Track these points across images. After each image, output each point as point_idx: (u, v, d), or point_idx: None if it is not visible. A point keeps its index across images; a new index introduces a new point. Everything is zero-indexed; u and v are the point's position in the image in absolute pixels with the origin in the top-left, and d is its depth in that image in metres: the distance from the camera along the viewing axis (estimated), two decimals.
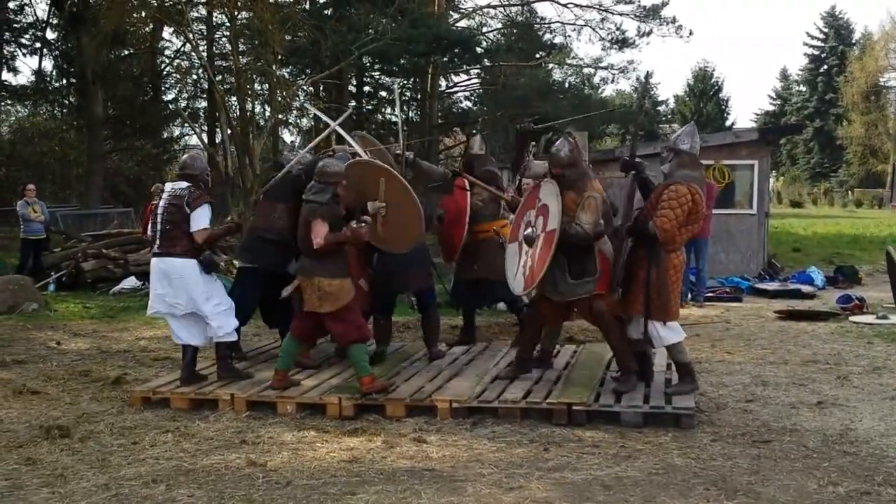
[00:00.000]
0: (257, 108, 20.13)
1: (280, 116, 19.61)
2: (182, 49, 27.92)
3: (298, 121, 29.18)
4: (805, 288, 12.52)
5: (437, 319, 7.62)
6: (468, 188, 7.94)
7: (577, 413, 5.73)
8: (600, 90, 41.43)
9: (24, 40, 27.85)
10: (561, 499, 4.42)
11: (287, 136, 30.28)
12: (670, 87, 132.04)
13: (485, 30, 31.56)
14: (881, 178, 52.84)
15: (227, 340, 6.67)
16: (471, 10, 32.12)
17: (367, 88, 30.05)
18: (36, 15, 28.56)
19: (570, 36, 35.72)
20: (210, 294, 6.49)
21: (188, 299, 6.40)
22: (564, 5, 30.06)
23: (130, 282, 12.94)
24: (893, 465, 4.92)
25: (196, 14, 23.44)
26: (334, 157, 7.20)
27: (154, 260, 6.52)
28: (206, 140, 25.77)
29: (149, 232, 6.85)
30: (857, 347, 8.42)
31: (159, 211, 6.50)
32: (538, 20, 33.64)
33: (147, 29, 24.89)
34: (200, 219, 6.41)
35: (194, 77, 27.46)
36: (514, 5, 32.64)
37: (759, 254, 14.50)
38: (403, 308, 9.43)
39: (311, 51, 21.15)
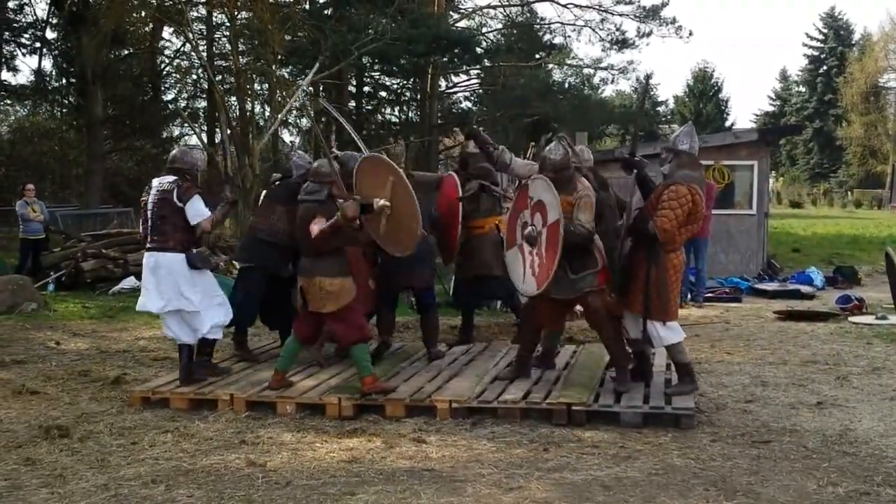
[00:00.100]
0: (257, 108, 20.12)
1: (280, 116, 19.58)
2: (182, 49, 27.93)
3: (298, 121, 29.17)
4: (804, 288, 12.53)
5: (436, 320, 7.63)
6: (459, 186, 7.93)
7: (576, 413, 5.73)
8: (600, 91, 41.42)
9: (23, 40, 27.82)
10: (560, 499, 4.42)
11: (287, 136, 30.27)
12: (670, 88, 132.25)
13: (485, 30, 31.59)
14: (881, 179, 52.84)
15: (211, 338, 6.62)
16: (471, 10, 32.15)
17: (366, 89, 30.05)
18: (36, 14, 28.56)
19: (569, 36, 35.72)
20: (198, 288, 6.42)
21: (176, 294, 6.35)
22: (564, 6, 30.07)
23: (130, 282, 12.93)
24: (893, 465, 4.92)
25: (196, 14, 23.45)
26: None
27: (146, 255, 6.50)
28: (205, 140, 25.76)
29: (140, 228, 6.80)
30: (857, 348, 8.42)
31: (149, 207, 6.46)
32: (538, 20, 33.66)
33: (147, 29, 24.88)
34: (198, 208, 6.38)
35: (194, 77, 27.48)
36: (514, 6, 32.65)
37: (758, 254, 14.51)
38: (403, 308, 9.42)
39: (311, 51, 21.13)
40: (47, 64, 28.82)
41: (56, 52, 28.32)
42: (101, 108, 24.00)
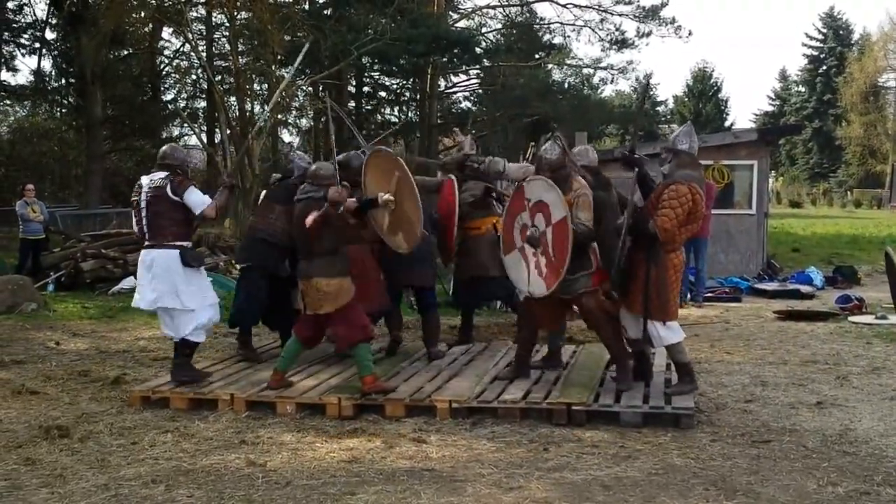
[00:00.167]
0: (256, 108, 20.13)
1: (279, 116, 19.60)
2: (181, 49, 27.95)
3: (298, 121, 29.19)
4: (804, 288, 12.53)
5: (436, 320, 7.63)
6: (456, 188, 7.97)
7: (576, 413, 5.73)
8: (600, 91, 41.47)
9: (23, 40, 27.84)
10: (560, 499, 4.42)
11: (286, 136, 30.28)
12: (669, 88, 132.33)
13: (484, 30, 31.61)
14: (880, 179, 52.87)
15: (193, 340, 6.54)
16: (470, 10, 32.16)
17: (366, 89, 30.06)
18: (35, 15, 28.55)
19: (569, 36, 35.64)
20: (193, 288, 6.39)
21: (169, 291, 6.32)
22: (564, 6, 30.09)
23: (130, 282, 12.91)
24: (893, 465, 4.92)
25: (195, 14, 23.46)
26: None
27: (143, 252, 6.46)
28: (205, 140, 25.76)
29: (135, 228, 6.71)
30: (857, 348, 8.42)
31: (143, 205, 6.40)
32: (537, 20, 33.67)
33: (146, 29, 24.88)
34: (197, 198, 6.37)
35: (194, 77, 27.50)
36: (513, 6, 32.67)
37: (758, 254, 14.51)
38: (403, 308, 9.40)
39: (311, 51, 21.13)
40: (47, 64, 28.87)
41: (56, 52, 28.33)
42: (101, 108, 24.00)
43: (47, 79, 29.03)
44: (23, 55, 28.20)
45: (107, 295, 12.59)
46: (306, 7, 24.04)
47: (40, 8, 37.00)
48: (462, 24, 30.84)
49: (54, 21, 27.21)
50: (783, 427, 5.66)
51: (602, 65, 33.17)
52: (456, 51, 24.45)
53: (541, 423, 5.73)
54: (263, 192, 8.00)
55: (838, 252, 18.96)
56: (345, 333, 6.12)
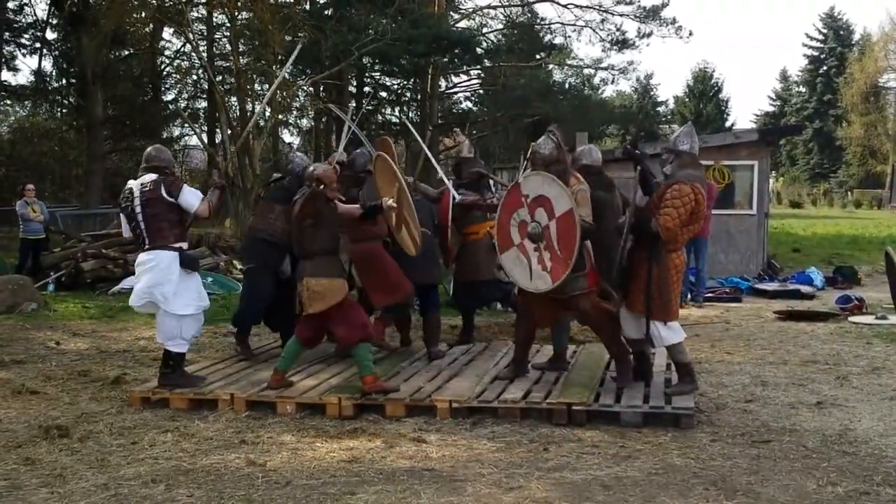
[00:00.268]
0: (257, 108, 20.13)
1: (280, 116, 19.60)
2: (182, 49, 27.97)
3: (298, 121, 29.20)
4: (804, 288, 12.53)
5: (437, 320, 7.65)
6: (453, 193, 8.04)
7: (576, 413, 5.73)
8: (600, 91, 41.48)
9: (23, 40, 27.87)
10: (561, 499, 4.42)
11: (287, 137, 30.29)
12: (670, 88, 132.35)
13: (485, 30, 31.62)
14: (880, 179, 52.87)
15: (175, 350, 6.46)
16: (471, 10, 32.17)
17: (367, 89, 30.06)
18: (36, 15, 28.61)
19: (570, 37, 35.76)
20: (183, 291, 6.35)
21: (160, 291, 6.28)
22: (565, 6, 30.10)
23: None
24: (892, 465, 4.92)
25: (196, 14, 23.46)
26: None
27: (142, 255, 6.39)
28: (206, 140, 25.77)
29: (125, 233, 6.63)
30: (857, 348, 8.42)
31: (137, 210, 6.31)
32: (538, 21, 33.70)
33: (147, 29, 24.90)
34: (191, 197, 6.34)
35: (194, 77, 27.52)
36: (514, 6, 32.68)
37: (758, 254, 14.51)
38: None
39: (312, 51, 21.14)
40: (47, 64, 28.90)
41: (56, 52, 28.35)
42: (101, 108, 24.01)
43: (48, 79, 29.06)
44: (23, 55, 28.28)
45: (107, 295, 12.59)
46: (307, 7, 24.05)
47: (41, 8, 37.15)
48: (463, 24, 30.86)
49: (55, 21, 27.24)
50: (783, 427, 5.66)
51: (603, 65, 33.26)
52: (457, 51, 24.46)
53: (541, 423, 5.73)
54: (262, 192, 8.04)
55: (838, 252, 18.96)
56: (344, 333, 6.13)
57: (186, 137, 32.77)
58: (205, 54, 22.69)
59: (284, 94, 19.28)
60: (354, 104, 26.54)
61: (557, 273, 5.97)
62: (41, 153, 27.71)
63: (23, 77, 40.18)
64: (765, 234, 14.76)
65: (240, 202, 17.99)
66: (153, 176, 6.36)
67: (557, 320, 6.73)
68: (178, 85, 29.36)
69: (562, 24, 31.92)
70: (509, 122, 29.44)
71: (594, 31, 30.67)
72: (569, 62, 35.86)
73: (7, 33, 26.94)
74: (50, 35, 28.09)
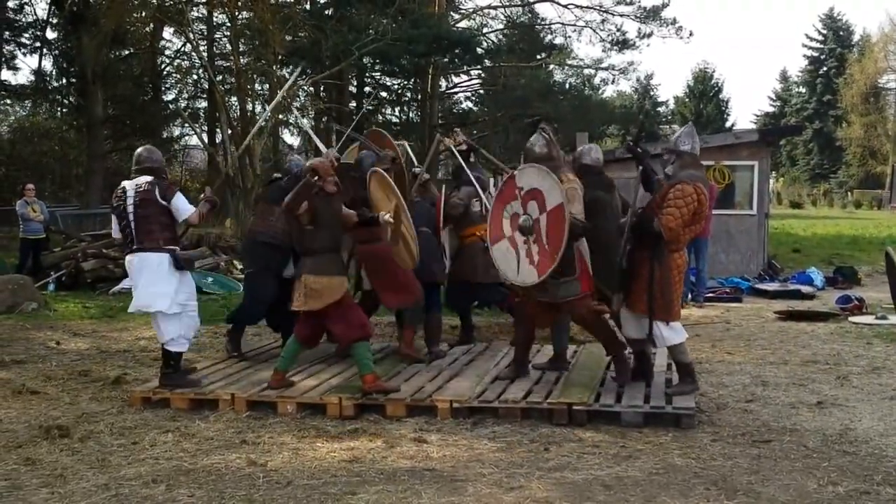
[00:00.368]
0: (257, 108, 20.14)
1: (280, 117, 19.60)
2: (182, 49, 27.98)
3: (298, 121, 29.18)
4: (805, 288, 12.53)
5: (438, 320, 7.66)
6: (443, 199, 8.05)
7: (577, 413, 5.73)
8: (601, 91, 41.50)
9: (23, 39, 27.88)
10: (561, 498, 4.42)
11: (287, 137, 30.28)
12: (670, 88, 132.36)
13: (485, 30, 31.64)
14: (880, 180, 52.88)
15: (175, 350, 6.48)
16: (471, 10, 32.18)
17: (367, 89, 30.08)
18: (36, 14, 28.64)
19: (570, 37, 35.79)
20: (176, 293, 6.36)
21: (159, 293, 6.29)
22: (565, 6, 30.14)
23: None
24: (892, 464, 4.92)
25: (196, 14, 23.47)
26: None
27: (130, 257, 6.39)
28: (206, 140, 25.77)
29: (115, 233, 6.63)
30: (857, 348, 8.42)
31: (129, 210, 6.31)
32: (539, 21, 33.71)
33: (147, 29, 24.92)
34: (184, 204, 6.39)
35: (194, 77, 27.52)
36: (514, 6, 32.70)
37: (758, 254, 14.51)
38: None
39: (312, 51, 21.15)
40: (47, 64, 28.91)
41: (56, 51, 28.36)
42: (102, 108, 24.02)
43: (48, 78, 29.07)
44: (23, 54, 28.30)
45: (107, 294, 12.60)
46: (307, 7, 24.06)
47: (41, 7, 37.14)
48: (463, 24, 30.88)
49: (55, 20, 27.25)
50: (784, 427, 5.66)
51: (603, 65, 33.32)
52: (457, 51, 24.47)
53: (542, 423, 5.73)
54: (262, 190, 8.04)
55: (839, 252, 18.97)
56: (342, 332, 6.13)
57: (186, 137, 32.82)
58: (205, 54, 22.71)
59: (285, 94, 19.27)
60: (355, 104, 26.62)
61: (544, 267, 5.94)
62: (41, 153, 27.70)
63: (23, 76, 40.22)
64: (765, 235, 14.77)
65: (240, 202, 17.99)
66: (148, 178, 6.38)
67: (557, 321, 6.72)
68: (179, 85, 29.37)
69: (562, 24, 32.01)
70: (509, 122, 29.44)
71: (594, 31, 30.73)
72: (569, 62, 35.90)
73: (7, 32, 26.95)
74: (50, 34, 28.15)
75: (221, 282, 13.04)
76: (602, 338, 6.30)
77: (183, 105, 29.67)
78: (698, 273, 11.64)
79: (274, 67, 19.73)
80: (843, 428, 5.64)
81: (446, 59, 25.41)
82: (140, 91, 29.00)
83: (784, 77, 66.73)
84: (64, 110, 30.16)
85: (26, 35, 27.82)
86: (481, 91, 32.51)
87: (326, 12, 23.38)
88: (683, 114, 57.36)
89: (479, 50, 26.40)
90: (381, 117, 30.84)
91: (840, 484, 4.58)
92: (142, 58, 28.56)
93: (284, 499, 4.46)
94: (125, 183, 6.52)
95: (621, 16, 29.97)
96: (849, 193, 52.10)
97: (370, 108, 29.42)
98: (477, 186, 7.95)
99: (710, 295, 11.92)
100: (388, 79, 29.86)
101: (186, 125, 29.52)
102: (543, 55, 34.01)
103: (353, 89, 28.47)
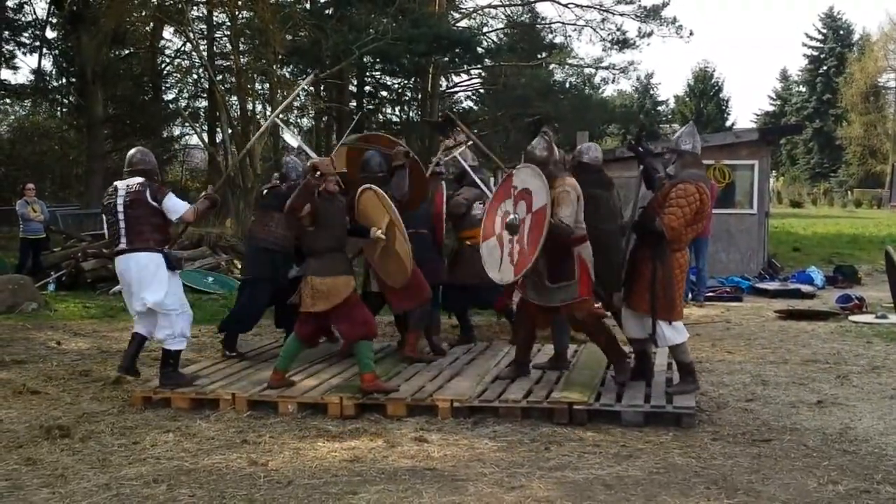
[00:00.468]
0: (258, 108, 20.13)
1: (280, 116, 19.60)
2: (182, 48, 27.96)
3: (299, 120, 29.19)
4: (805, 288, 12.54)
5: (437, 318, 7.67)
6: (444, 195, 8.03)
7: (578, 412, 5.73)
8: (601, 90, 41.50)
9: (23, 39, 27.85)
10: (562, 498, 4.42)
11: (287, 136, 30.28)
12: (671, 88, 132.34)
13: (486, 30, 31.64)
14: (880, 179, 52.83)
15: (174, 348, 6.49)
16: (472, 10, 32.18)
17: (367, 88, 30.06)
18: (35, 13, 28.60)
19: (570, 36, 35.81)
20: (171, 292, 6.39)
21: (151, 293, 6.30)
22: (565, 5, 30.13)
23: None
24: (892, 463, 4.92)
25: (196, 13, 23.45)
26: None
27: (120, 258, 6.38)
28: (206, 140, 25.76)
29: (106, 233, 6.64)
30: (857, 347, 8.43)
31: (119, 209, 6.33)
32: (539, 20, 33.71)
33: (147, 28, 24.87)
34: (176, 203, 6.39)
35: (195, 77, 27.51)
36: (515, 5, 32.70)
37: (759, 253, 14.51)
38: None
39: (312, 50, 21.14)
40: (47, 63, 28.88)
41: (56, 51, 28.34)
42: (102, 107, 24.00)
43: (48, 78, 29.05)
44: (23, 54, 28.26)
45: (108, 294, 12.59)
46: (308, 6, 24.05)
47: (41, 6, 37.04)
48: (463, 23, 30.87)
49: (55, 20, 27.23)
50: (784, 426, 5.67)
51: (603, 64, 33.26)
52: (457, 50, 24.47)
53: (542, 423, 5.73)
54: (263, 192, 8.01)
55: (839, 251, 18.97)
56: (347, 331, 6.14)
57: (187, 137, 32.79)
58: (205, 53, 22.69)
59: (285, 93, 19.27)
60: (355, 103, 26.62)
61: (520, 267, 5.98)
62: (41, 153, 27.68)
63: (22, 76, 40.19)
64: (765, 234, 14.78)
65: (240, 202, 17.99)
66: (140, 179, 6.40)
67: (557, 321, 6.73)
68: (179, 84, 29.37)
69: (562, 23, 32.00)
70: (510, 121, 29.44)
71: (595, 30, 30.73)
72: (569, 61, 35.88)
73: (7, 32, 26.92)
74: (50, 34, 28.12)
75: (222, 281, 13.05)
76: (602, 342, 6.27)
77: (183, 105, 29.68)
78: (698, 272, 11.64)
79: (274, 67, 19.72)
80: (843, 427, 5.64)
81: (446, 59, 25.40)
82: (140, 91, 28.99)
83: (784, 76, 66.73)
84: (64, 110, 30.14)
85: (26, 34, 27.80)
86: (482, 90, 32.50)
87: (327, 12, 23.37)
88: (684, 113, 57.34)
89: (479, 49, 26.39)
90: (381, 117, 30.82)
91: (840, 483, 4.59)
92: (142, 57, 28.54)
93: (285, 498, 4.46)
94: (118, 182, 6.55)
95: (621, 15, 30.00)
96: (849, 192, 52.08)
97: (371, 107, 29.44)
98: (484, 189, 7.94)
99: (711, 294, 11.93)
100: (388, 78, 29.84)
101: (187, 125, 29.51)
102: (544, 54, 33.98)
103: (353, 88, 28.45)
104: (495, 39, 31.88)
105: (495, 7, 32.24)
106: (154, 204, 6.32)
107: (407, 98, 31.10)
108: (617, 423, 5.70)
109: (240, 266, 13.36)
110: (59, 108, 30.27)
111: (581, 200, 6.06)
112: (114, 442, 5.46)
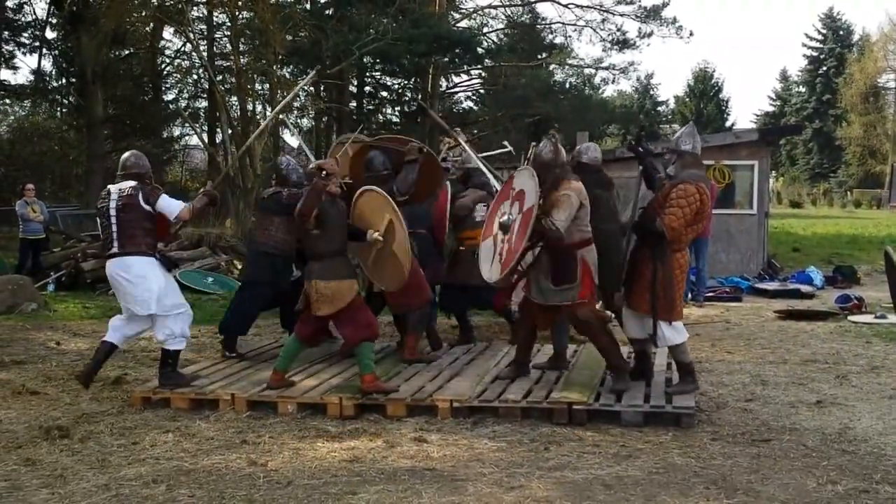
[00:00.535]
0: (258, 108, 20.12)
1: (280, 117, 19.59)
2: (182, 49, 27.95)
3: (299, 121, 29.18)
4: (804, 288, 12.54)
5: (434, 315, 7.70)
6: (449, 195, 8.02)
7: (577, 412, 5.73)
8: (601, 91, 41.52)
9: (23, 39, 27.84)
10: (562, 498, 4.42)
11: (288, 137, 30.26)
12: (670, 88, 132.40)
13: (486, 30, 31.66)
14: (880, 179, 52.83)
15: (173, 348, 6.49)
16: (472, 10, 32.19)
17: (367, 88, 30.06)
18: (35, 14, 28.59)
19: (570, 36, 35.79)
20: (167, 293, 6.39)
21: (147, 297, 6.29)
22: (566, 6, 30.15)
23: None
24: (891, 463, 4.93)
25: (196, 14, 23.44)
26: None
27: (112, 262, 6.36)
28: (206, 140, 25.75)
29: (101, 233, 6.63)
30: (856, 347, 8.43)
31: (111, 213, 6.30)
32: (539, 20, 33.73)
33: (147, 28, 24.87)
34: (170, 203, 6.37)
35: (195, 77, 27.50)
36: (515, 6, 32.72)
37: (758, 254, 14.52)
38: None
39: (312, 50, 21.14)
40: (47, 63, 28.87)
41: (56, 51, 28.33)
42: (102, 107, 24.00)
43: (48, 78, 29.04)
44: (23, 54, 28.25)
45: (107, 295, 12.56)
46: (308, 7, 24.05)
47: (41, 7, 37.06)
48: (464, 23, 30.88)
49: (55, 20, 27.23)
50: (783, 426, 5.67)
51: (603, 65, 33.28)
52: (457, 51, 24.47)
53: (542, 423, 5.74)
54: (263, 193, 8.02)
55: (838, 252, 18.97)
56: (350, 333, 6.14)
57: (187, 137, 32.78)
58: (205, 54, 22.68)
59: (285, 93, 19.27)
60: (355, 104, 26.63)
61: (505, 265, 6.04)
62: (41, 153, 27.67)
63: (22, 76, 40.19)
64: (765, 234, 14.78)
65: (240, 202, 17.98)
66: (133, 183, 6.38)
67: (557, 321, 6.73)
68: (179, 84, 29.35)
69: (562, 23, 32.02)
70: (510, 121, 29.44)
71: (595, 30, 30.74)
72: (569, 62, 35.90)
73: (6, 32, 26.92)
74: (50, 34, 28.11)
75: (222, 281, 13.05)
76: (601, 345, 6.23)
77: (183, 105, 29.66)
78: (698, 272, 11.65)
79: (274, 67, 19.72)
80: (843, 427, 5.64)
81: (447, 59, 25.40)
82: (140, 91, 28.98)
83: (784, 77, 66.72)
84: (64, 110, 30.13)
85: (25, 35, 27.80)
86: (482, 91, 32.52)
87: (327, 12, 23.37)
88: (684, 113, 57.34)
89: (479, 49, 26.39)
90: (381, 117, 30.83)
91: (839, 483, 4.59)
92: (142, 58, 28.53)
93: (285, 499, 4.46)
94: (111, 185, 6.54)
95: (621, 15, 30.01)
96: (848, 193, 52.06)
97: (371, 107, 29.45)
98: (494, 184, 7.93)
99: (710, 294, 11.93)
100: (388, 78, 29.85)
101: (187, 125, 29.50)
102: (544, 55, 34.02)
103: (353, 89, 28.45)
104: (495, 40, 31.90)
105: (495, 7, 32.27)
106: (147, 208, 6.30)
107: (407, 98, 31.10)
108: (616, 423, 5.70)
109: (240, 266, 13.37)
110: (58, 109, 30.27)
111: (586, 205, 6.04)
112: (113, 442, 5.46)
